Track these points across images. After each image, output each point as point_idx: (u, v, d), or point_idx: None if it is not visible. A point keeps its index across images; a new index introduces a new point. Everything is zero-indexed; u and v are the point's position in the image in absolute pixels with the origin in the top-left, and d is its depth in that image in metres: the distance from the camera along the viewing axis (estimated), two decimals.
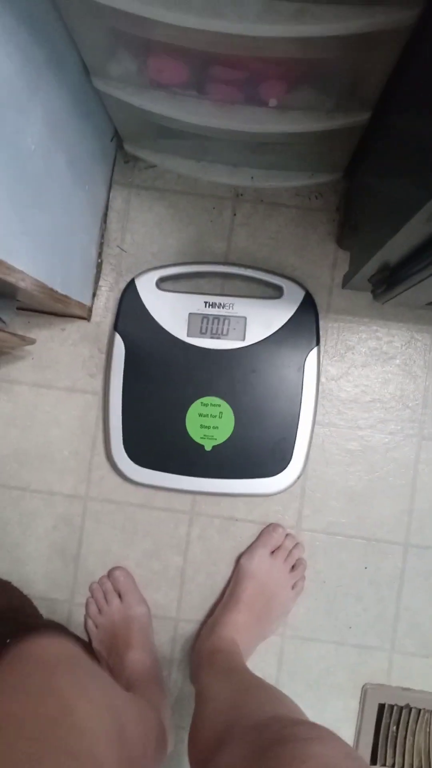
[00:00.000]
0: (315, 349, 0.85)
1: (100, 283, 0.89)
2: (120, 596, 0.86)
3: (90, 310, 0.88)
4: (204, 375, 0.85)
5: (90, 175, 0.79)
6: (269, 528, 0.87)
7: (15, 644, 0.47)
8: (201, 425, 0.85)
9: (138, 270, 0.88)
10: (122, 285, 0.88)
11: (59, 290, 0.73)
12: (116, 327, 0.86)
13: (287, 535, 0.87)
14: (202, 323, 0.85)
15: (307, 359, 0.85)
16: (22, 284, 0.60)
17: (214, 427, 0.85)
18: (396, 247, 0.60)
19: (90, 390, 0.89)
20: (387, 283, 0.67)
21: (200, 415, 0.85)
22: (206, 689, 0.65)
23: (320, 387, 0.86)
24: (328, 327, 0.88)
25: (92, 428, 0.89)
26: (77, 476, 0.89)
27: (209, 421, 0.85)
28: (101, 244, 0.88)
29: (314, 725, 0.47)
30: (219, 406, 0.85)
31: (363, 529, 0.88)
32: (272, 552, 0.86)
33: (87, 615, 0.87)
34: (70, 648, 0.50)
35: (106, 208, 0.89)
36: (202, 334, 0.85)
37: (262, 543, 0.86)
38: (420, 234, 0.53)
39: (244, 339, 0.85)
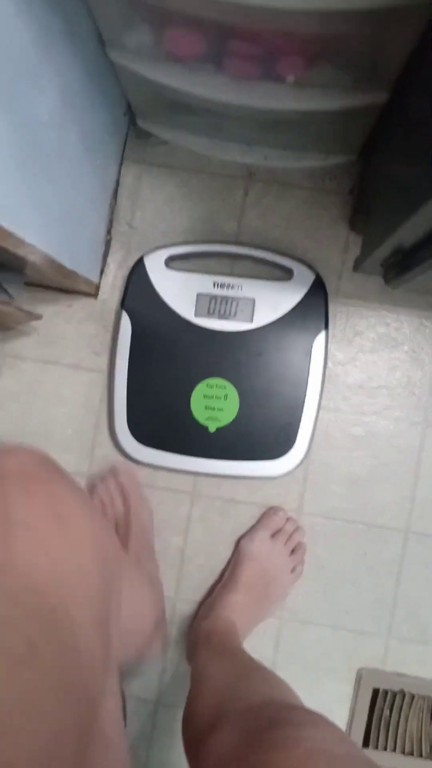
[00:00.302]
0: (323, 333, 0.84)
1: (109, 260, 0.88)
2: (124, 499, 0.84)
3: (97, 287, 0.88)
4: (210, 356, 0.85)
5: (102, 149, 0.78)
6: (270, 511, 0.87)
7: None
8: (206, 406, 0.85)
9: (147, 248, 0.87)
10: (131, 263, 0.87)
11: (67, 265, 0.72)
12: (123, 305, 0.86)
13: (288, 518, 0.87)
14: (210, 304, 0.85)
15: (315, 343, 0.84)
16: (31, 258, 0.59)
17: (218, 409, 0.84)
18: (410, 231, 0.59)
19: (95, 368, 0.89)
20: (399, 267, 0.66)
21: (205, 396, 0.85)
22: (202, 669, 0.65)
23: (327, 371, 0.86)
24: (336, 311, 0.87)
25: (96, 406, 0.89)
26: (79, 454, 0.89)
27: (214, 403, 0.85)
28: (110, 221, 0.87)
29: (308, 710, 0.47)
30: (224, 387, 0.85)
31: (364, 514, 0.88)
32: (272, 535, 0.86)
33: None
34: (51, 463, 0.43)
35: (117, 184, 0.87)
36: (209, 314, 0.85)
37: (262, 526, 0.86)
38: None
39: (252, 321, 0.85)
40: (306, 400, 0.84)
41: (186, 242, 0.87)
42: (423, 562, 0.87)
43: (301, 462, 0.85)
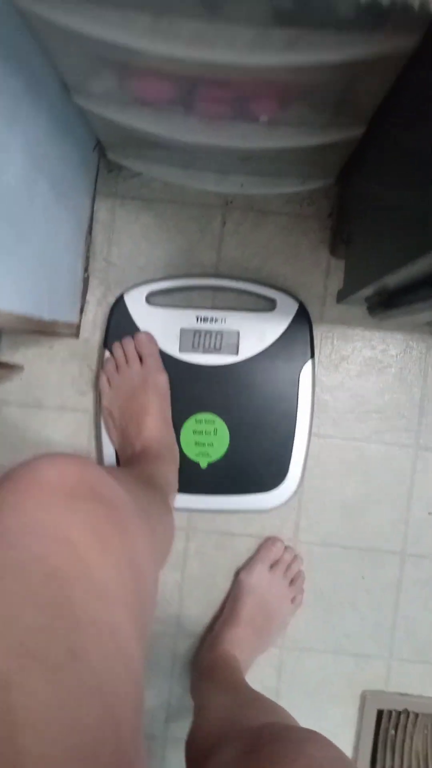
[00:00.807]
0: (309, 362, 0.83)
1: (88, 297, 0.86)
2: (141, 359, 0.82)
3: (78, 327, 0.86)
4: (197, 391, 0.84)
5: (73, 191, 0.76)
6: (268, 542, 0.87)
7: (22, 468, 0.40)
8: (196, 442, 0.84)
9: (126, 283, 0.86)
10: (110, 299, 0.86)
11: (46, 318, 0.70)
12: (106, 344, 0.84)
13: (286, 548, 0.87)
14: (195, 338, 0.83)
15: (302, 372, 0.83)
16: (8, 324, 0.57)
17: (209, 444, 0.84)
18: (394, 279, 0.58)
19: (81, 408, 0.87)
20: (384, 306, 0.66)
21: (194, 432, 0.84)
22: (205, 701, 0.65)
23: (315, 398, 0.85)
24: (321, 337, 0.86)
25: (85, 447, 0.87)
26: None
27: (204, 438, 0.84)
28: (87, 258, 0.86)
29: (309, 730, 0.46)
30: (213, 422, 0.84)
31: (360, 539, 0.87)
32: (271, 566, 0.86)
33: (102, 371, 0.83)
34: (92, 475, 0.40)
35: (91, 220, 0.85)
36: (194, 349, 0.84)
37: (260, 558, 0.86)
38: (423, 270, 0.52)
39: (237, 353, 0.83)
40: (296, 429, 0.83)
41: (166, 277, 0.85)
42: (420, 583, 0.88)
43: (295, 492, 0.84)
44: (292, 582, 0.86)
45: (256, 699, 0.64)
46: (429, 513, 0.87)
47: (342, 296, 0.76)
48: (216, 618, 0.87)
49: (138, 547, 0.41)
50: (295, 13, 0.43)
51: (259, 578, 0.84)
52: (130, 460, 0.76)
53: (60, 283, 0.75)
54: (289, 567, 0.86)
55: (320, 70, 0.49)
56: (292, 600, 0.85)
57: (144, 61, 0.51)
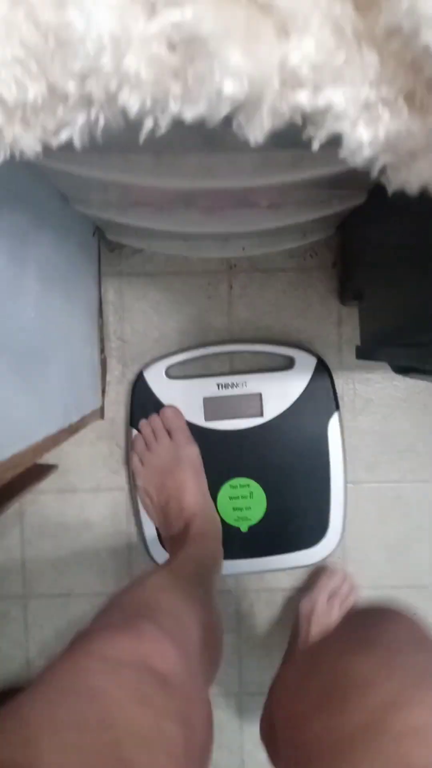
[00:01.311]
0: (336, 414, 0.84)
1: (108, 378, 0.87)
2: (170, 434, 0.83)
3: (102, 409, 0.87)
4: (228, 457, 0.84)
5: (80, 281, 0.76)
6: (328, 572, 0.86)
7: (82, 640, 0.41)
8: (233, 508, 0.84)
9: (143, 358, 0.86)
10: (130, 376, 0.86)
11: (75, 420, 0.71)
12: (132, 423, 0.85)
13: (345, 578, 0.86)
14: (218, 406, 0.84)
15: (329, 425, 0.84)
16: (45, 449, 0.58)
17: (246, 508, 0.84)
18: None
19: (116, 487, 0.88)
20: (409, 369, 0.66)
21: (231, 498, 0.84)
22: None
23: (345, 446, 0.86)
24: (343, 384, 0.87)
25: (125, 524, 0.88)
26: (118, 575, 0.89)
27: (241, 503, 0.84)
28: (101, 340, 0.86)
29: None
30: (248, 486, 0.84)
31: (407, 578, 0.88)
32: (329, 596, 0.85)
33: (133, 451, 0.84)
34: (145, 649, 0.41)
35: (100, 302, 0.86)
36: (219, 416, 0.84)
37: (321, 587, 0.85)
38: None
39: (262, 415, 0.84)
40: (332, 482, 0.84)
41: (182, 349, 0.86)
42: None
43: (338, 544, 0.85)
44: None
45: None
46: None
47: (360, 355, 0.76)
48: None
49: (189, 705, 0.41)
50: (297, 135, 0.44)
51: (319, 608, 0.83)
52: (174, 540, 0.77)
53: (81, 378, 0.76)
54: (346, 599, 0.85)
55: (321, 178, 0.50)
56: None
57: (147, 189, 0.51)
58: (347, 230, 0.82)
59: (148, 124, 0.27)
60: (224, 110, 0.25)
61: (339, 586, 0.86)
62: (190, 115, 0.25)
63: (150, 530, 0.85)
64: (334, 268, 0.85)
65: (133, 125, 0.27)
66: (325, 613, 0.83)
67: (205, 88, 0.24)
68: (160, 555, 0.85)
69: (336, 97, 0.25)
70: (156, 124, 0.27)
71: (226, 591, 0.88)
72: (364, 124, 0.25)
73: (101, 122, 0.27)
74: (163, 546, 0.84)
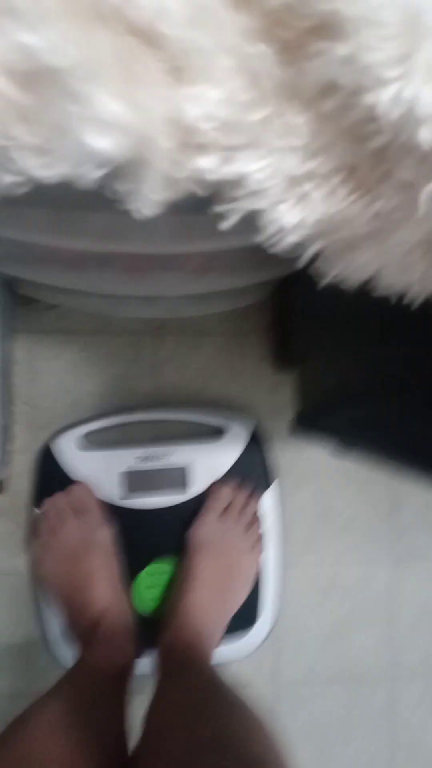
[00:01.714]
0: (270, 490, 0.77)
1: (12, 447, 0.77)
2: (78, 515, 0.72)
3: (2, 482, 0.76)
4: (147, 539, 0.75)
5: None
6: (213, 490, 0.75)
7: None
8: (150, 598, 0.75)
9: (54, 426, 0.77)
10: (37, 445, 0.77)
11: None
12: (35, 502, 0.75)
13: (234, 489, 0.75)
14: (138, 481, 0.75)
15: (264, 501, 0.77)
16: None
17: (165, 599, 0.75)
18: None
19: (14, 571, 0.77)
20: (347, 448, 0.60)
21: (149, 587, 0.75)
22: (156, 698, 0.54)
23: (280, 524, 0.78)
24: (279, 456, 0.80)
25: (24, 615, 0.77)
26: (16, 673, 0.77)
27: (159, 592, 0.75)
28: (7, 404, 0.76)
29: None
30: (167, 573, 0.75)
31: (344, 669, 0.81)
32: (222, 514, 0.74)
33: (34, 535, 0.73)
34: None
35: (6, 362, 0.76)
36: (138, 493, 0.75)
37: (208, 508, 0.74)
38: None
39: (186, 491, 0.76)
40: (265, 566, 0.76)
41: (97, 416, 0.77)
42: (414, 703, 0.82)
43: (269, 634, 0.77)
44: (248, 527, 0.74)
45: (208, 699, 0.52)
46: (412, 627, 0.81)
47: (296, 431, 0.70)
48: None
49: None
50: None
51: (210, 530, 0.73)
52: (80, 640, 0.67)
53: None
54: (242, 510, 0.74)
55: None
56: (253, 547, 0.74)
57: (45, 248, 0.44)
58: (283, 293, 0.77)
59: (4, 179, 0.19)
60: (96, 172, 0.18)
61: (229, 500, 0.74)
62: (47, 174, 0.18)
63: (53, 626, 0.74)
64: (268, 333, 0.80)
65: None
66: (218, 533, 0.73)
67: (67, 142, 0.17)
68: (65, 654, 0.74)
69: (249, 166, 0.18)
70: (10, 183, 0.19)
71: (144, 694, 0.77)
72: (289, 204, 0.19)
73: None
74: (72, 635, 0.73)
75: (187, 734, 0.43)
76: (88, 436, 0.76)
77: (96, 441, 0.77)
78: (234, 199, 0.19)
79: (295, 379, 0.74)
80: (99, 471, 0.75)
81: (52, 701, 0.51)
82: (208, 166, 0.18)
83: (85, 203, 0.38)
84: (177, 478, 0.76)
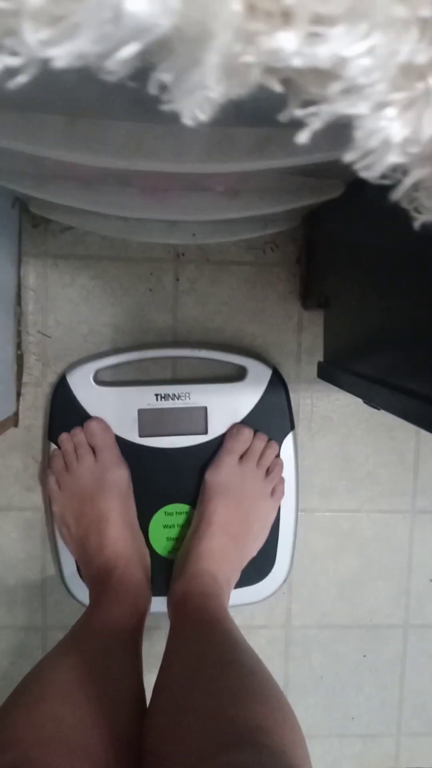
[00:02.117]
0: (290, 435, 0.73)
1: (24, 379, 0.73)
2: (95, 452, 0.70)
3: (16, 415, 0.73)
4: (164, 479, 0.73)
5: None
6: (232, 431, 0.71)
7: None
8: (167, 538, 0.73)
9: (68, 357, 0.73)
10: (51, 377, 0.73)
11: None
12: (50, 436, 0.71)
13: (256, 433, 0.72)
14: (156, 420, 0.72)
15: (282, 447, 0.73)
16: None
17: (182, 538, 0.73)
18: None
19: (29, 506, 0.75)
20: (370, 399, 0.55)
21: (165, 526, 0.73)
22: (169, 657, 0.53)
23: (299, 470, 0.75)
24: (299, 399, 0.76)
25: (39, 550, 0.76)
26: (30, 606, 0.76)
27: (176, 532, 0.73)
28: (18, 333, 0.72)
29: (256, 749, 0.37)
30: (185, 513, 0.73)
31: (359, 617, 0.79)
32: (241, 458, 0.71)
33: (50, 470, 0.70)
34: None
35: (18, 287, 0.71)
36: (156, 432, 0.72)
37: (226, 450, 0.71)
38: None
39: (206, 432, 0.72)
40: (281, 512, 0.73)
41: (115, 351, 0.72)
42: (426, 654, 0.81)
43: (285, 581, 0.75)
44: (268, 472, 0.71)
45: (225, 662, 0.49)
46: (430, 580, 0.79)
47: (323, 375, 0.65)
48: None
49: None
50: (266, 110, 0.31)
51: (228, 473, 0.70)
52: (94, 582, 0.65)
53: None
54: (262, 455, 0.71)
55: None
56: (272, 493, 0.71)
57: (58, 163, 0.38)
58: (316, 223, 0.70)
59: None
60: (126, 50, 0.12)
61: (248, 444, 0.71)
62: (61, 53, 0.12)
63: (68, 561, 0.73)
64: (297, 265, 0.73)
65: None
66: (237, 477, 0.70)
67: (91, 1, 0.11)
68: (81, 591, 0.73)
69: (350, 47, 0.12)
70: (6, 69, 0.14)
71: (155, 628, 0.77)
72: (399, 107, 0.13)
73: None
74: (83, 580, 0.72)
75: (204, 708, 0.41)
76: (106, 370, 0.72)
77: (113, 376, 0.73)
78: (322, 99, 0.14)
79: (324, 317, 0.68)
80: (116, 407, 0.71)
81: (66, 658, 0.50)
82: (292, 45, 0.12)
83: (106, 106, 0.31)
84: (196, 418, 0.72)
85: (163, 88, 0.14)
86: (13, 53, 0.13)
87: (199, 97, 0.13)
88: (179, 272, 0.73)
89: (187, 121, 0.14)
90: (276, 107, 0.28)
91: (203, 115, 0.14)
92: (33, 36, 0.13)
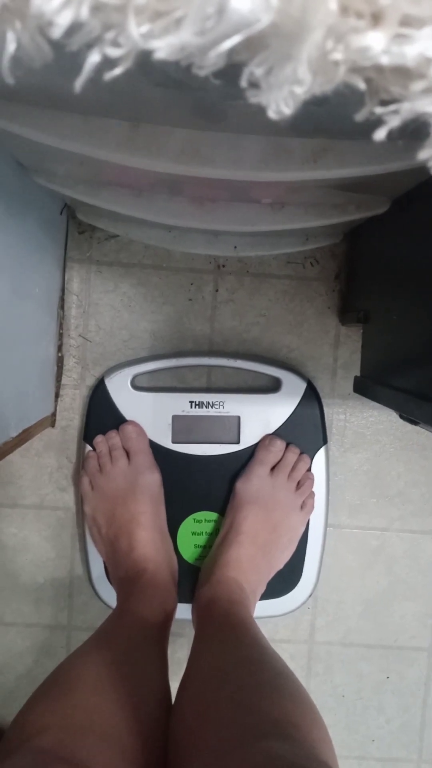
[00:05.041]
0: (323, 449, 0.73)
1: (63, 380, 0.75)
2: (129, 455, 0.71)
3: (53, 415, 0.74)
4: (195, 487, 0.73)
5: (40, 270, 0.64)
6: (264, 442, 0.72)
7: None
8: (195, 545, 0.73)
9: (107, 361, 0.74)
10: (90, 380, 0.74)
11: (14, 434, 0.59)
12: (86, 437, 0.73)
13: (288, 446, 0.72)
14: (189, 427, 0.73)
15: (314, 461, 0.73)
16: None
17: (210, 546, 0.73)
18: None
19: (61, 506, 0.76)
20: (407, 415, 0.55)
21: (194, 533, 0.73)
22: (195, 658, 0.53)
23: (330, 485, 0.75)
24: (333, 414, 0.76)
25: (69, 549, 0.77)
26: (56, 605, 0.77)
27: (205, 540, 0.73)
28: (60, 335, 0.74)
29: (289, 740, 0.37)
30: (214, 521, 0.73)
31: (383, 636, 0.78)
32: (272, 469, 0.71)
33: (84, 471, 0.72)
34: None
35: (62, 291, 0.73)
36: (189, 439, 0.73)
37: (259, 461, 0.71)
38: None
39: (238, 442, 0.73)
40: (310, 526, 0.73)
41: (153, 357, 0.74)
42: None
43: (310, 595, 0.75)
44: (299, 485, 0.71)
45: (252, 661, 0.49)
46: None
47: (359, 389, 0.65)
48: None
49: None
50: (325, 120, 0.32)
51: (259, 484, 0.70)
52: (122, 584, 0.66)
53: (29, 383, 0.64)
54: (294, 468, 0.71)
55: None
56: (302, 506, 0.71)
57: (115, 167, 0.39)
58: (358, 240, 0.71)
59: (92, 58, 0.15)
60: (228, 43, 0.13)
61: (281, 456, 0.72)
62: (162, 45, 0.13)
63: (97, 563, 0.74)
64: (336, 281, 0.74)
65: (70, 60, 0.15)
66: (268, 488, 0.70)
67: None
68: (107, 593, 0.73)
69: None
70: (104, 60, 0.15)
71: (178, 635, 0.77)
72: None
73: (10, 47, 0.15)
74: (111, 582, 0.73)
75: (235, 702, 0.41)
76: (143, 375, 0.73)
77: (149, 382, 0.74)
78: (401, 97, 0.14)
79: (363, 332, 0.68)
80: (151, 413, 0.72)
81: (96, 653, 0.50)
82: (381, 44, 0.13)
83: (167, 113, 0.33)
84: (229, 427, 0.73)
85: (252, 83, 0.15)
86: (115, 44, 0.15)
87: (286, 92, 0.14)
88: (219, 283, 0.74)
89: (272, 114, 0.15)
90: (334, 118, 0.28)
91: (287, 109, 0.15)
92: (136, 29, 0.14)
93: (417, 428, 0.76)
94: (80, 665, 0.48)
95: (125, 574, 0.66)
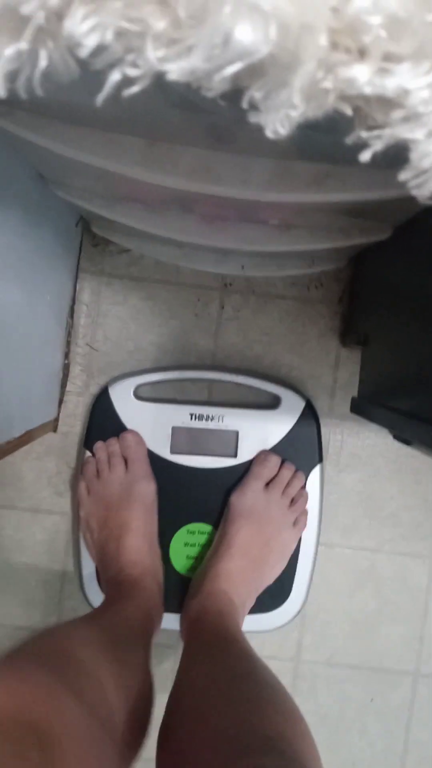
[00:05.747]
0: (317, 468, 0.74)
1: (68, 387, 0.76)
2: (126, 464, 0.72)
3: (56, 420, 0.76)
4: (190, 498, 0.74)
5: (53, 279, 0.66)
6: (260, 457, 0.73)
7: None
8: (187, 556, 0.74)
9: (112, 371, 0.76)
10: (93, 389, 0.76)
11: (16, 434, 0.60)
12: (86, 444, 0.74)
13: (283, 462, 0.73)
14: (188, 438, 0.74)
15: (309, 479, 0.74)
16: None
17: (202, 558, 0.74)
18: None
19: (57, 510, 0.77)
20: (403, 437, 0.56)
21: (187, 544, 0.74)
22: (184, 671, 0.53)
23: (323, 503, 0.76)
24: (330, 434, 0.77)
25: (62, 554, 0.78)
26: (46, 607, 0.78)
27: (197, 551, 0.74)
28: (68, 342, 0.76)
29: (279, 755, 0.37)
30: (207, 533, 0.74)
31: (369, 658, 0.79)
32: (267, 485, 0.72)
33: (82, 476, 0.73)
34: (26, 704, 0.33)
35: (73, 300, 0.76)
36: (187, 450, 0.74)
37: (254, 476, 0.72)
38: None
39: (235, 456, 0.74)
40: (301, 542, 0.74)
41: (156, 369, 0.75)
42: None
43: (299, 612, 0.75)
44: (293, 502, 0.72)
45: (242, 675, 0.50)
46: None
47: (356, 409, 0.67)
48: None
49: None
50: (327, 146, 0.34)
51: (254, 498, 0.71)
52: (110, 586, 0.67)
53: (34, 386, 0.65)
54: (288, 485, 0.72)
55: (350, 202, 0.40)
56: (294, 523, 0.72)
57: (136, 183, 0.41)
58: (362, 264, 0.73)
59: (113, 77, 0.17)
60: (231, 69, 0.15)
61: (275, 472, 0.73)
62: (175, 68, 0.15)
63: (89, 567, 0.74)
64: (339, 304, 0.76)
65: (94, 77, 0.17)
66: (262, 503, 0.71)
67: (206, 29, 0.15)
68: (97, 598, 0.74)
69: (414, 80, 0.15)
70: (124, 78, 0.17)
71: (165, 646, 0.78)
72: None
73: (42, 63, 0.17)
74: (100, 586, 0.73)
75: (224, 716, 0.42)
76: (145, 386, 0.75)
77: (151, 393, 0.76)
78: (384, 124, 0.16)
79: (362, 354, 0.70)
80: (152, 423, 0.74)
81: (84, 625, 0.51)
82: (365, 76, 0.15)
83: (182, 133, 0.35)
84: (227, 441, 0.74)
85: (252, 105, 0.17)
86: (134, 65, 0.17)
87: (282, 115, 0.16)
88: (225, 301, 0.76)
89: (270, 133, 0.17)
90: (336, 145, 0.31)
91: (283, 130, 0.17)
92: (153, 53, 0.16)
93: (411, 452, 0.77)
94: (69, 626, 0.49)
95: (111, 577, 0.67)
